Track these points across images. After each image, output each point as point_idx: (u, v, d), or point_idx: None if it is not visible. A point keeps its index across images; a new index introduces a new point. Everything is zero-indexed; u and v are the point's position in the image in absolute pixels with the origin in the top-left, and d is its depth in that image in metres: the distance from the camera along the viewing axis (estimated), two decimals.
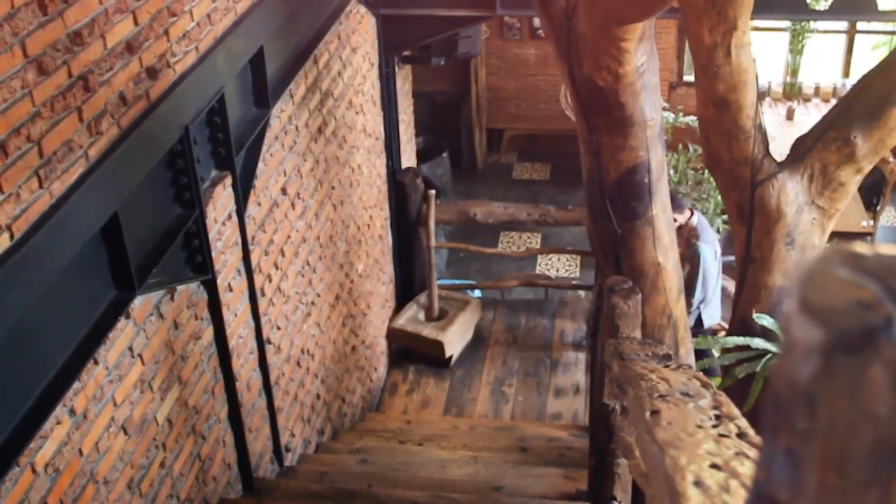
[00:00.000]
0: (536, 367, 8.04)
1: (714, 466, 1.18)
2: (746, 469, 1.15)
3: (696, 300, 6.64)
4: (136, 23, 3.60)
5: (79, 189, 3.22)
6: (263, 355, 5.01)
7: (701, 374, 1.99)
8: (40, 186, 3.03)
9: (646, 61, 3.49)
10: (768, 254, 4.61)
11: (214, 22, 4.31)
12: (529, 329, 8.52)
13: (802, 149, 4.62)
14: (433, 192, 7.96)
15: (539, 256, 11.30)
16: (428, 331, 7.92)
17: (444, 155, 11.76)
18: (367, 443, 6.44)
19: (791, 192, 4.49)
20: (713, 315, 7.02)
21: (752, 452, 1.22)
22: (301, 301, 5.73)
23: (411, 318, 8.11)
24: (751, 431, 1.38)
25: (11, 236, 2.90)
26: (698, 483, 1.09)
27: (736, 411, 1.53)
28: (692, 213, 6.73)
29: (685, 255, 6.39)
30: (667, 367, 2.24)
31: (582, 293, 9.09)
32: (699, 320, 6.92)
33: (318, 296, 6.08)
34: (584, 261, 11.15)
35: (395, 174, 8.00)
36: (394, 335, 8.08)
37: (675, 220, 6.18)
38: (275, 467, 5.38)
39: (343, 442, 6.47)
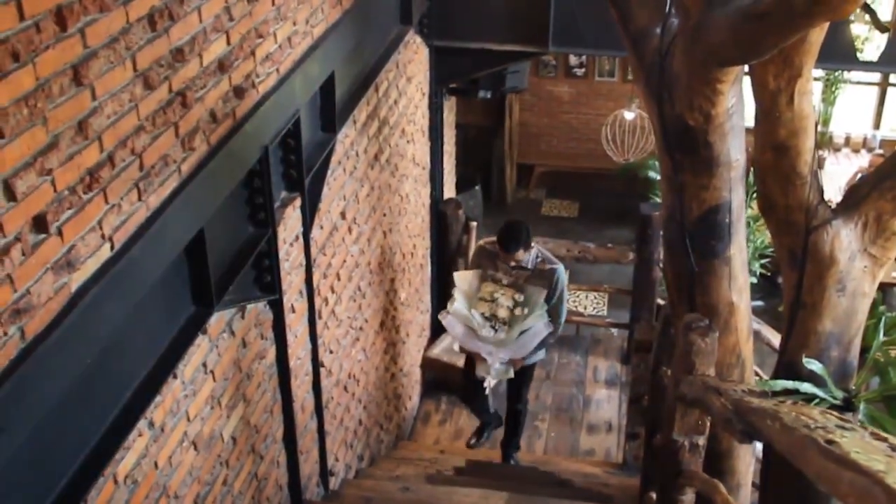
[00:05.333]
0: (569, 403, 8.06)
1: None
2: None
3: (561, 322, 6.15)
4: (228, 42, 3.65)
5: (172, 203, 3.25)
6: (318, 378, 5.03)
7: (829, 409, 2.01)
8: (139, 199, 3.07)
9: (735, 103, 3.53)
10: (819, 299, 4.60)
11: (294, 45, 4.37)
12: (562, 365, 8.54)
13: (857, 197, 4.63)
14: (475, 223, 8.00)
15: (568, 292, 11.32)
16: (462, 362, 7.92)
17: (477, 188, 11.83)
18: (406, 471, 6.43)
19: (845, 240, 4.48)
20: (556, 335, 6.25)
21: None
22: (351, 326, 5.76)
23: (446, 348, 8.12)
24: None
25: (112, 246, 2.93)
26: None
27: None
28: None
29: (533, 279, 5.92)
30: (781, 402, 2.26)
31: (615, 331, 9.10)
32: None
33: (366, 321, 6.11)
34: (612, 299, 11.17)
35: (437, 204, 8.04)
36: (429, 365, 8.09)
37: (519, 260, 5.83)
38: (320, 491, 5.37)
39: (381, 469, 6.47)
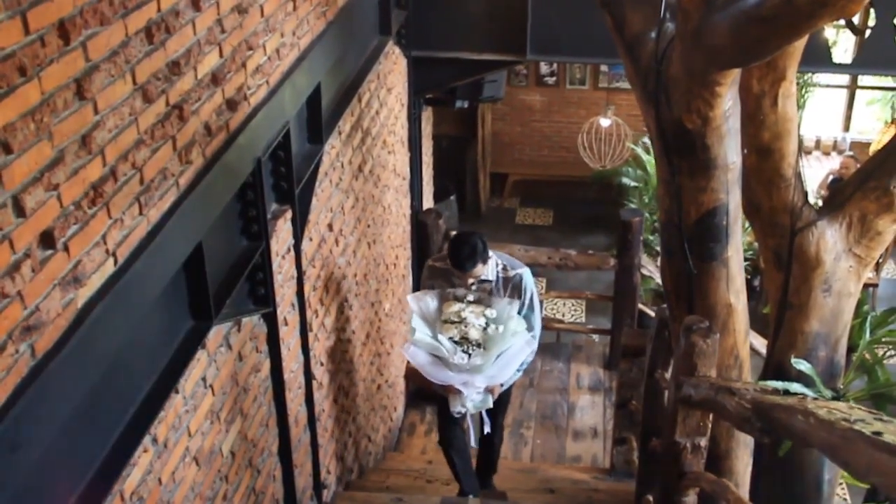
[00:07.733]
0: (554, 410, 8.06)
1: None
2: None
3: (536, 332, 5.41)
4: (220, 55, 3.63)
5: (171, 217, 3.23)
6: (310, 390, 5.01)
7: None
8: (140, 213, 3.05)
9: (732, 106, 3.56)
10: (805, 300, 4.64)
11: (282, 57, 4.36)
12: (545, 372, 8.55)
13: (841, 198, 4.69)
14: (454, 233, 7.98)
15: (544, 300, 11.38)
16: None
17: (452, 198, 11.85)
18: (396, 482, 6.41)
19: (830, 240, 4.53)
20: (535, 349, 5.45)
21: None
22: (340, 338, 5.74)
23: None
24: None
25: (115, 261, 2.91)
26: None
27: None
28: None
29: (500, 290, 5.26)
30: (802, 398, 2.28)
31: (596, 337, 9.13)
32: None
33: (353, 333, 6.09)
34: (590, 305, 11.22)
35: (417, 214, 8.04)
36: (412, 375, 8.06)
37: (478, 276, 5.18)
38: None
39: (371, 481, 6.45)
